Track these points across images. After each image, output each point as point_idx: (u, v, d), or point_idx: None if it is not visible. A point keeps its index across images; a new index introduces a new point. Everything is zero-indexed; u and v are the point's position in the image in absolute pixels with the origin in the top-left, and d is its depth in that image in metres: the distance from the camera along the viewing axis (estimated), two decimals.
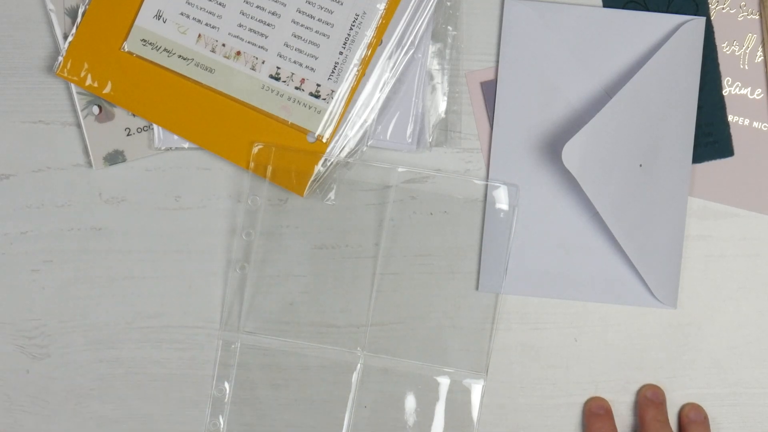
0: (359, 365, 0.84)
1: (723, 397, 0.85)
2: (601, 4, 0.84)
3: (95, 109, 0.84)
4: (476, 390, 0.84)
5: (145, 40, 0.82)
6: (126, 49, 0.83)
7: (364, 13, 0.82)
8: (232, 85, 0.82)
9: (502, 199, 0.84)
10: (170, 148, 0.84)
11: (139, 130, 0.84)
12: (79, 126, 0.84)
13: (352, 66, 0.82)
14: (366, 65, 0.82)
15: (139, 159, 0.85)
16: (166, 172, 0.85)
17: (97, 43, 0.83)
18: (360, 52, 0.82)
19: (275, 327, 0.84)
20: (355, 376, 0.84)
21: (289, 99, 0.82)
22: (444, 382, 0.84)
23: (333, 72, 0.82)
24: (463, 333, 0.84)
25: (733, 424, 0.85)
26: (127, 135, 0.84)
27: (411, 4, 0.82)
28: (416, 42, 0.83)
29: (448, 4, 0.84)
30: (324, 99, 0.82)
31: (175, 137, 0.84)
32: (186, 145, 0.84)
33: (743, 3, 0.84)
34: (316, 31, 0.82)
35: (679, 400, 0.85)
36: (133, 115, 0.84)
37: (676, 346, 0.85)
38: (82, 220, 0.85)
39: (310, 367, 0.84)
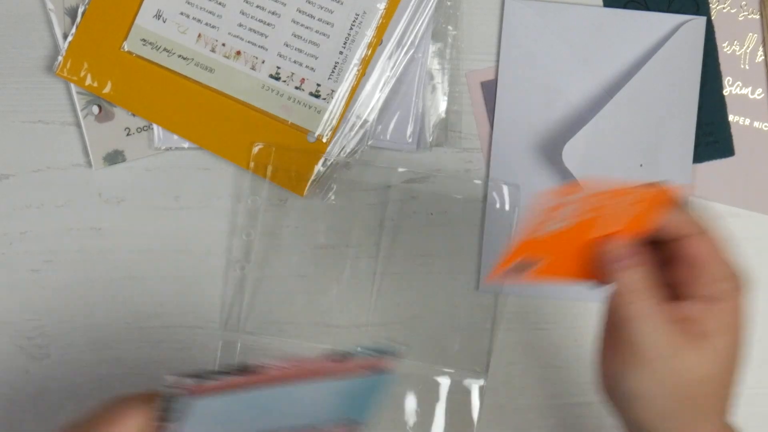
0: None
1: None
2: (601, 3, 0.84)
3: (95, 109, 0.84)
4: (476, 390, 0.84)
5: (144, 40, 0.82)
6: (126, 49, 0.83)
7: (364, 12, 0.82)
8: (232, 84, 0.82)
9: (503, 198, 0.84)
10: (170, 148, 0.84)
11: (139, 129, 0.84)
12: (78, 126, 0.84)
13: (352, 66, 0.82)
14: (366, 65, 0.82)
15: (139, 159, 0.85)
16: (166, 172, 0.85)
17: (97, 42, 0.83)
18: (360, 52, 0.82)
19: (275, 327, 0.84)
20: None
21: (289, 99, 0.82)
22: (444, 382, 0.84)
23: (333, 72, 0.82)
24: (463, 333, 0.84)
25: (734, 424, 0.85)
26: (127, 135, 0.84)
27: (411, 4, 0.82)
28: (416, 42, 0.83)
29: (449, 3, 0.84)
30: (324, 99, 0.82)
31: (175, 137, 0.84)
32: (186, 145, 0.84)
33: (744, 2, 0.84)
34: (316, 31, 0.82)
35: None
36: (133, 115, 0.84)
37: None
38: (82, 220, 0.85)
39: None
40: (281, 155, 0.83)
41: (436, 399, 0.84)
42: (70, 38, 0.83)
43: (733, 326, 0.64)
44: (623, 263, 0.64)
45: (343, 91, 0.82)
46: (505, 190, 0.84)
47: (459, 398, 0.84)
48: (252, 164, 0.83)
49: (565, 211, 0.63)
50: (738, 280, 0.65)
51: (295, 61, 0.82)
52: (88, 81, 0.83)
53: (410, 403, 0.84)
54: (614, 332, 0.66)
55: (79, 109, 0.84)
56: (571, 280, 0.67)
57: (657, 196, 0.64)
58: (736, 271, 0.65)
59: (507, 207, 0.84)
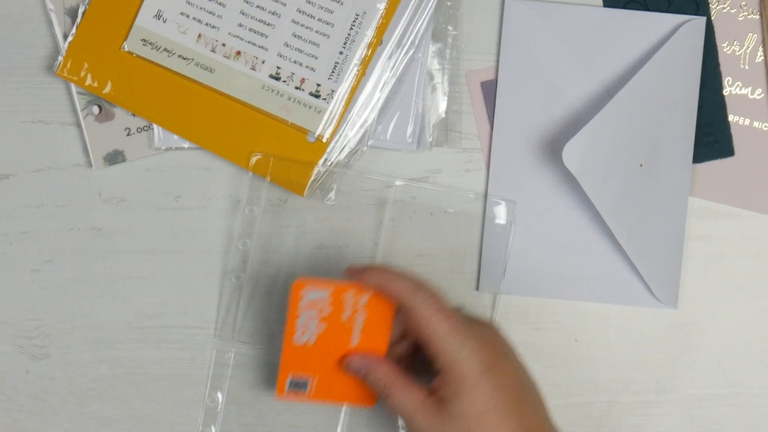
0: None
1: (723, 397, 0.85)
2: (601, 4, 0.84)
3: (95, 109, 0.84)
4: None
5: (145, 40, 0.82)
6: (126, 49, 0.83)
7: (365, 12, 0.82)
8: (232, 85, 0.82)
9: (500, 215, 0.84)
10: (170, 148, 0.84)
11: (139, 129, 0.84)
12: (79, 126, 0.84)
13: (352, 66, 0.82)
14: (366, 65, 0.82)
15: (139, 159, 0.85)
16: (166, 172, 0.85)
17: (97, 42, 0.83)
18: (360, 52, 0.82)
19: (275, 327, 0.84)
20: None
21: (289, 99, 0.82)
22: None
23: (333, 72, 0.82)
24: None
25: (734, 424, 0.85)
26: (127, 135, 0.84)
27: (411, 4, 0.82)
28: (416, 42, 0.83)
29: (449, 3, 0.84)
30: (324, 99, 0.82)
31: (175, 137, 0.84)
32: (186, 145, 0.84)
33: (743, 3, 0.84)
34: (317, 31, 0.82)
35: (679, 400, 0.85)
36: (133, 115, 0.84)
37: (676, 346, 0.85)
38: (82, 220, 0.85)
39: None
40: (279, 166, 0.83)
41: None
42: (70, 38, 0.83)
43: (462, 390, 0.70)
44: (364, 370, 0.75)
45: (343, 91, 0.82)
46: (504, 206, 0.84)
47: None
48: (250, 174, 0.83)
49: (306, 322, 0.75)
50: (459, 350, 0.71)
51: (295, 61, 0.82)
52: (89, 81, 0.83)
53: None
54: None
55: (79, 109, 0.84)
56: (349, 403, 0.79)
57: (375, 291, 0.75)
58: (454, 343, 0.71)
59: (504, 222, 0.84)
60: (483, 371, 0.71)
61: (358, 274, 0.74)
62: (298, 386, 0.77)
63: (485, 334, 0.73)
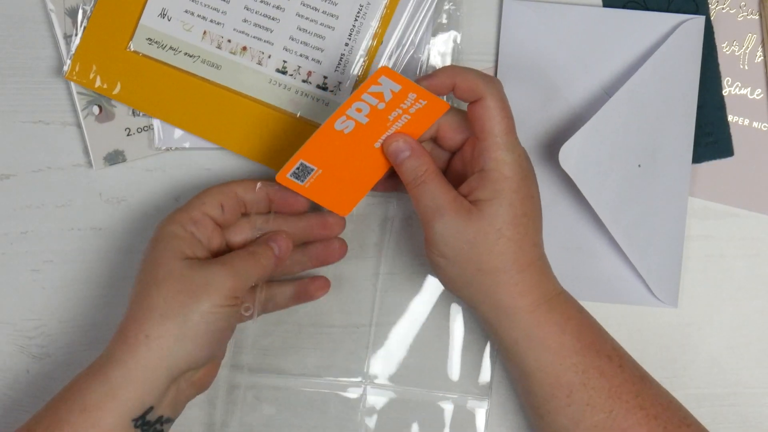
0: (362, 396, 0.83)
1: (723, 397, 0.85)
2: (600, 4, 0.85)
3: (95, 109, 0.84)
4: (481, 414, 0.83)
5: (150, 39, 0.82)
6: (132, 49, 0.83)
7: (369, 3, 0.82)
8: (239, 80, 0.82)
9: None
10: (170, 148, 0.84)
11: (139, 130, 0.84)
12: (79, 126, 0.84)
13: (358, 57, 0.83)
14: (372, 56, 0.83)
15: (139, 159, 0.85)
16: (166, 172, 0.85)
17: (104, 44, 0.82)
18: (366, 43, 0.83)
19: (275, 327, 0.84)
20: (359, 406, 0.83)
21: (297, 92, 0.83)
22: (447, 407, 0.83)
23: (339, 64, 0.83)
24: (465, 350, 0.84)
25: (733, 424, 0.85)
26: (127, 135, 0.84)
27: (411, 4, 0.83)
28: (416, 42, 0.83)
29: (448, 4, 0.84)
30: (332, 91, 0.82)
31: (176, 137, 0.84)
32: (186, 144, 0.84)
33: (743, 3, 0.85)
34: (321, 24, 0.82)
35: (679, 399, 0.85)
36: (134, 115, 0.84)
37: (676, 346, 0.85)
38: (82, 220, 0.85)
39: (313, 403, 0.84)
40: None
41: (442, 425, 0.83)
42: (77, 41, 0.82)
43: (503, 191, 0.70)
44: (407, 152, 0.73)
45: (350, 82, 0.83)
46: None
47: (463, 423, 0.84)
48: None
49: (359, 108, 0.71)
50: (510, 151, 0.71)
51: (301, 55, 0.83)
52: (98, 83, 0.82)
53: (414, 430, 0.83)
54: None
55: (79, 109, 0.84)
56: (329, 206, 0.78)
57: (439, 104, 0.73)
58: (508, 143, 0.71)
59: None
60: (524, 177, 0.71)
61: (428, 77, 0.72)
62: (302, 174, 0.74)
63: (524, 151, 0.74)
